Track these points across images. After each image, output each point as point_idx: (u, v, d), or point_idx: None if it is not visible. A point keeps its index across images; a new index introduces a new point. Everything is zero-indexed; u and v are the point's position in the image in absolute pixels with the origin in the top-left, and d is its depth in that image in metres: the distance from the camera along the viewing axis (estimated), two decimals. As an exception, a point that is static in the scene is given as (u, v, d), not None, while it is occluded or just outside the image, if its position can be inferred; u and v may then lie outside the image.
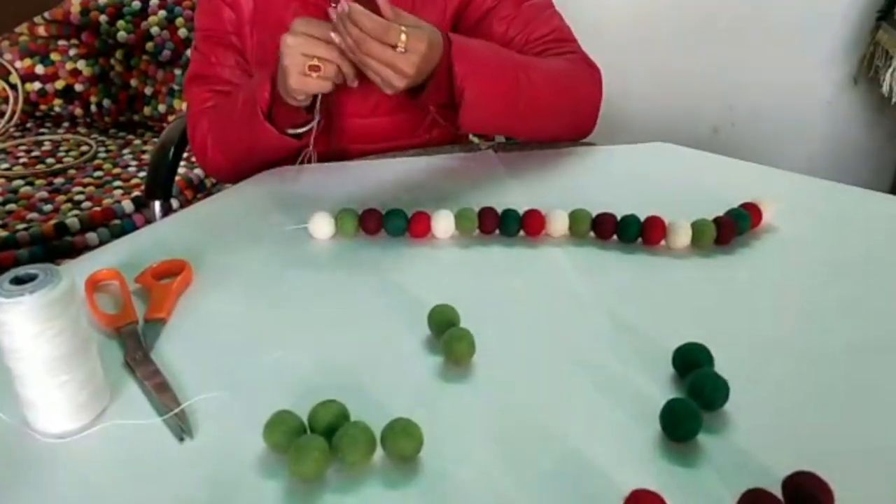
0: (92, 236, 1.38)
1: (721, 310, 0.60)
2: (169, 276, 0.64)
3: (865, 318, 0.58)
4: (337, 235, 0.71)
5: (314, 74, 0.74)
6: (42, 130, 1.86)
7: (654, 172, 0.84)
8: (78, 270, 0.62)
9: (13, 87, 1.85)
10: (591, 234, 0.70)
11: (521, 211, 0.70)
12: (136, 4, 1.81)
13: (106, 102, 1.86)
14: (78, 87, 1.86)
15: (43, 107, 1.89)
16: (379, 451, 0.45)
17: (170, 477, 0.45)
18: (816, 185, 0.80)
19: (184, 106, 1.82)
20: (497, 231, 0.70)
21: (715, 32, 1.83)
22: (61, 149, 1.75)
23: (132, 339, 0.56)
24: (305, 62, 0.73)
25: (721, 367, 0.50)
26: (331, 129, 0.92)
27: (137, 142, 1.80)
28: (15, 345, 0.45)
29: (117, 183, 1.57)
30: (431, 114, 0.86)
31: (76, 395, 0.47)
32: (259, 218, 0.76)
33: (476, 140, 1.52)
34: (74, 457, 0.46)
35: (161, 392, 0.51)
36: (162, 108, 1.83)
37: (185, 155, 1.15)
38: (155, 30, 1.79)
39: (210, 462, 0.45)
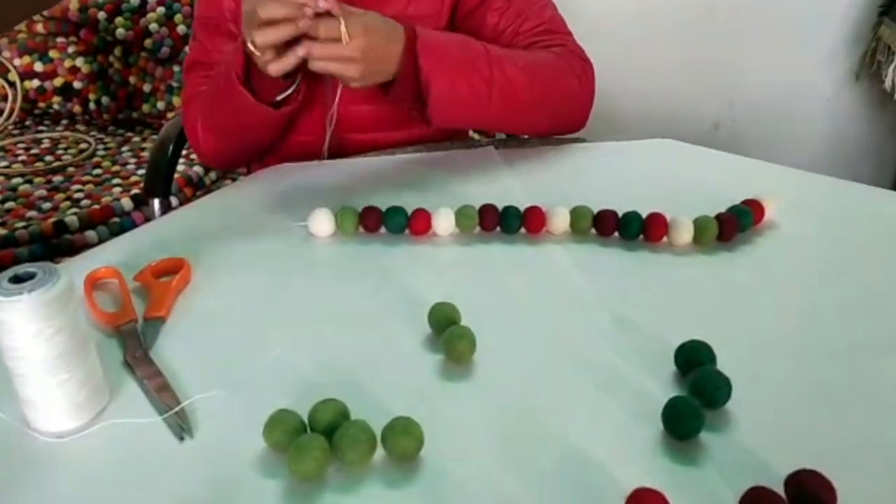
0: (91, 234, 1.38)
1: (723, 307, 0.59)
2: (168, 274, 0.64)
3: (868, 315, 0.58)
4: (337, 233, 0.71)
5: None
6: (41, 128, 1.85)
7: (655, 169, 0.84)
8: (77, 269, 0.62)
9: (12, 84, 1.84)
10: (593, 231, 0.69)
11: (521, 208, 0.69)
12: (135, 1, 1.81)
13: (105, 100, 1.86)
14: (77, 85, 1.86)
15: (41, 104, 1.88)
16: (379, 450, 0.44)
17: (170, 476, 0.44)
18: (819, 182, 0.80)
19: (183, 103, 1.81)
20: (498, 228, 0.70)
21: (716, 28, 1.83)
22: (60, 146, 1.75)
23: (131, 337, 0.56)
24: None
25: (723, 364, 0.49)
26: (327, 116, 0.92)
27: (136, 139, 1.79)
28: (14, 343, 0.44)
29: (116, 181, 1.57)
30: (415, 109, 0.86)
31: (75, 393, 0.47)
32: (258, 215, 0.76)
33: (477, 136, 1.52)
34: (73, 456, 0.46)
35: (161, 391, 0.50)
36: (161, 105, 1.83)
37: (184, 152, 1.15)
38: (153, 27, 1.78)
39: (210, 461, 0.45)
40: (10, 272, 0.45)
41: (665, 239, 0.68)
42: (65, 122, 1.89)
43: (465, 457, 0.45)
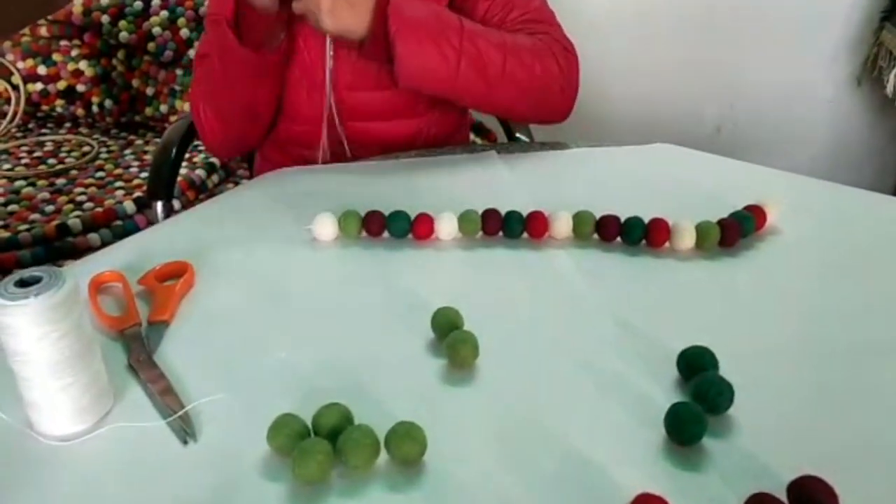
0: (94, 237, 1.39)
1: (725, 313, 0.60)
2: (172, 278, 0.64)
3: (870, 320, 0.58)
4: (340, 237, 0.71)
5: None
6: (44, 131, 1.86)
7: (657, 174, 0.84)
8: (81, 272, 0.62)
9: (15, 87, 1.85)
10: (595, 236, 0.70)
11: (524, 213, 0.70)
12: (138, 5, 1.81)
13: (108, 103, 1.86)
14: (80, 88, 1.86)
15: (45, 107, 1.89)
16: (383, 455, 0.45)
17: (173, 479, 0.44)
18: (821, 187, 0.80)
19: (185, 106, 1.82)
20: (500, 233, 0.70)
21: (717, 32, 1.83)
22: (63, 149, 1.75)
23: (135, 341, 0.56)
24: None
25: (725, 370, 0.50)
26: (328, 102, 0.93)
27: (139, 142, 1.80)
28: (19, 347, 0.45)
29: (119, 184, 1.57)
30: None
31: (80, 397, 0.47)
32: (262, 219, 0.76)
33: (478, 140, 1.52)
34: (78, 459, 0.46)
35: (164, 395, 0.50)
36: (164, 108, 1.84)
37: (187, 155, 1.15)
38: (157, 30, 1.79)
39: (214, 465, 0.45)
40: (16, 276, 0.45)
41: (667, 244, 0.68)
42: (68, 125, 1.89)
43: (467, 461, 0.45)
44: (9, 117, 1.84)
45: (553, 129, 0.96)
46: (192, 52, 1.76)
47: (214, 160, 1.63)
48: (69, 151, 1.74)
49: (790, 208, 0.72)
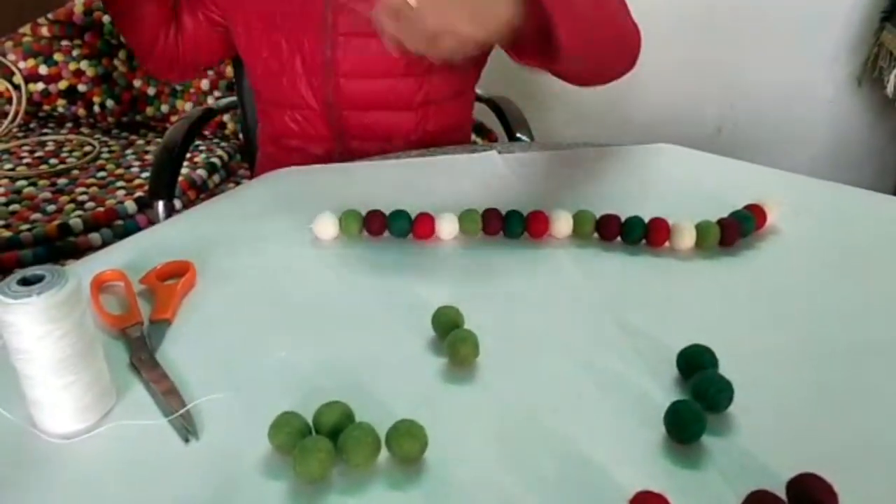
0: (95, 237, 1.39)
1: (725, 312, 0.60)
2: (173, 277, 0.64)
3: (870, 320, 0.58)
4: (341, 236, 0.71)
5: None
6: (45, 131, 1.86)
7: (657, 174, 0.84)
8: (83, 271, 0.62)
9: (16, 87, 1.85)
10: (595, 235, 0.70)
11: (524, 212, 0.70)
12: (140, 5, 1.81)
13: (109, 103, 1.87)
14: (81, 88, 1.87)
15: (46, 107, 1.89)
16: (383, 453, 0.45)
17: (175, 477, 0.45)
18: (821, 187, 0.80)
19: (187, 106, 1.82)
20: (501, 233, 0.70)
21: (717, 32, 1.83)
22: (64, 149, 1.75)
23: (137, 340, 0.56)
24: None
25: (725, 369, 0.50)
26: (327, 90, 0.93)
27: (140, 142, 1.80)
28: (22, 346, 0.45)
29: (120, 183, 1.57)
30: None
31: (82, 395, 0.47)
32: (262, 218, 0.76)
33: (479, 141, 1.53)
34: (80, 457, 0.46)
35: (166, 393, 0.51)
36: (165, 108, 1.84)
37: (188, 155, 1.16)
38: (158, 30, 1.79)
39: (215, 463, 0.46)
40: (19, 275, 0.45)
41: (667, 244, 0.68)
42: (69, 124, 1.90)
43: (468, 459, 0.45)
44: (10, 117, 1.84)
45: (553, 129, 0.96)
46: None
47: (216, 160, 1.63)
48: (70, 151, 1.74)
49: (790, 208, 0.72)
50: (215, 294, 0.63)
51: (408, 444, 0.44)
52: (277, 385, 0.52)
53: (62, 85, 1.86)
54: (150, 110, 1.85)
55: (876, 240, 0.69)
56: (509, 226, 0.70)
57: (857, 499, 0.40)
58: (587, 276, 0.64)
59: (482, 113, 1.28)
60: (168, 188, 1.09)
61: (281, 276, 0.66)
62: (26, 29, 1.86)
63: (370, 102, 0.95)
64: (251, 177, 1.21)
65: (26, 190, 1.55)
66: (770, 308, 0.60)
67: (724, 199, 0.72)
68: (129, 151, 1.74)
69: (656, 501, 0.39)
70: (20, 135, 1.83)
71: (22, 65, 1.85)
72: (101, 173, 1.63)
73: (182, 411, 0.49)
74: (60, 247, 1.36)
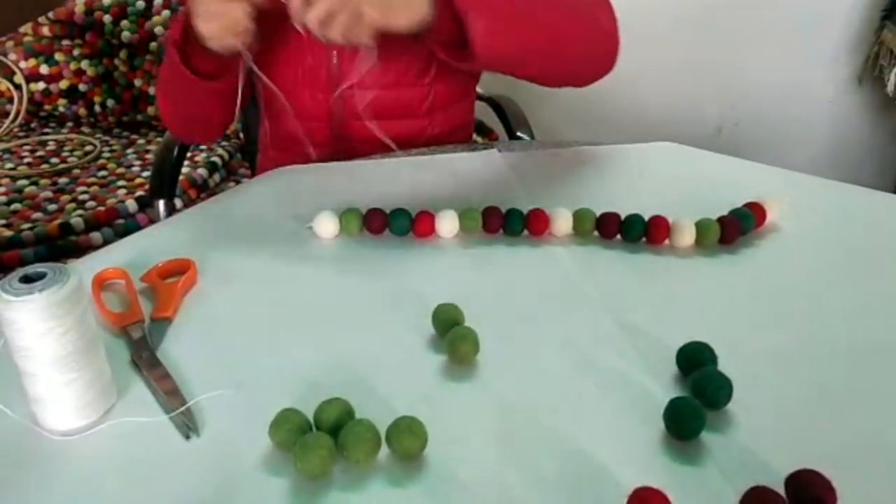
0: (96, 236, 1.39)
1: (725, 309, 0.60)
2: (174, 275, 0.64)
3: (869, 317, 0.58)
4: (341, 235, 0.71)
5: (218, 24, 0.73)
6: (46, 130, 1.86)
7: (657, 172, 0.84)
8: (84, 269, 0.63)
9: (17, 87, 1.85)
10: (595, 233, 0.70)
11: (525, 211, 0.70)
12: (140, 4, 1.82)
13: (110, 102, 1.87)
14: (82, 87, 1.87)
15: (47, 107, 1.90)
16: (384, 449, 0.45)
17: (176, 474, 0.45)
18: (820, 185, 0.81)
19: (187, 106, 1.82)
20: (501, 231, 0.71)
21: (717, 32, 1.83)
22: (65, 149, 1.76)
23: (138, 337, 0.56)
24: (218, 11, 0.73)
25: (724, 366, 0.50)
26: (332, 100, 0.93)
27: (141, 141, 1.80)
28: (24, 343, 0.45)
29: (121, 182, 1.57)
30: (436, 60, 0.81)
31: (84, 392, 0.47)
32: (263, 217, 0.76)
33: (480, 140, 1.53)
34: (81, 454, 0.47)
35: (167, 390, 0.51)
36: (166, 107, 1.83)
37: (188, 155, 1.16)
38: (159, 30, 1.79)
39: (216, 460, 0.46)
40: (21, 272, 0.45)
41: (667, 241, 0.68)
42: (70, 124, 1.90)
43: (468, 456, 0.45)
44: (11, 116, 1.84)
45: (554, 128, 0.96)
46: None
47: (216, 159, 1.64)
48: (71, 151, 1.75)
49: (790, 206, 0.72)
50: (216, 292, 0.63)
51: (408, 440, 0.45)
52: (278, 382, 0.52)
53: (63, 84, 1.86)
54: (150, 110, 1.85)
55: (875, 238, 0.70)
56: (509, 224, 0.70)
57: (855, 495, 0.40)
58: (587, 274, 0.65)
59: (483, 112, 1.28)
60: (169, 187, 1.09)
61: (281, 274, 0.66)
62: (27, 28, 1.86)
63: (377, 112, 0.94)
64: (251, 176, 1.21)
65: (27, 189, 1.55)
66: (770, 305, 0.60)
67: (723, 196, 0.72)
68: (129, 151, 1.74)
69: (655, 497, 0.39)
70: (21, 134, 1.83)
71: (23, 64, 1.85)
72: (102, 172, 1.63)
73: (183, 408, 0.49)
74: (61, 246, 1.36)
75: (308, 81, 0.94)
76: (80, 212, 1.44)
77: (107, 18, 1.81)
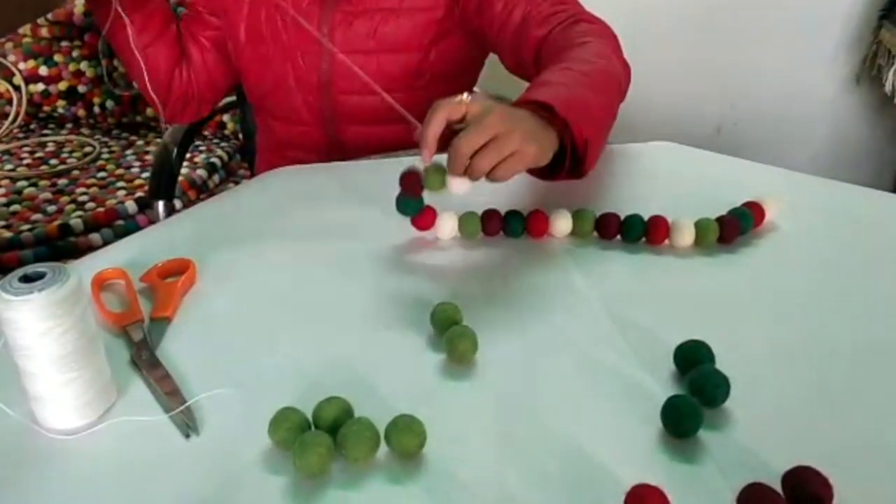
0: (95, 237, 1.39)
1: (723, 308, 0.60)
2: (174, 275, 0.64)
3: (867, 316, 0.58)
4: (341, 233, 0.71)
5: None
6: (45, 131, 1.86)
7: (657, 172, 0.84)
8: (84, 269, 0.63)
9: (17, 88, 1.85)
10: (595, 233, 0.70)
11: (525, 212, 0.70)
12: (140, 6, 1.82)
13: (109, 103, 1.87)
14: (81, 89, 1.87)
15: (46, 108, 1.89)
16: (383, 447, 0.45)
17: (176, 473, 0.45)
18: (819, 185, 0.81)
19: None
20: (501, 233, 0.71)
21: (717, 32, 1.83)
22: (65, 150, 1.75)
23: (138, 337, 0.57)
24: None
25: (722, 364, 0.50)
26: (324, 105, 0.93)
27: (140, 143, 1.80)
28: (24, 342, 0.45)
29: (120, 184, 1.57)
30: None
31: (84, 392, 0.48)
32: (261, 217, 0.77)
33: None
34: (81, 453, 0.47)
35: (167, 389, 0.51)
36: (165, 108, 1.84)
37: (187, 156, 1.16)
38: (158, 31, 1.79)
39: (216, 458, 0.46)
40: (21, 272, 0.45)
41: (667, 241, 0.68)
42: (69, 125, 1.90)
43: (466, 454, 0.45)
44: (10, 118, 1.84)
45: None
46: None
47: (215, 160, 1.64)
48: (71, 152, 1.74)
49: (788, 205, 0.72)
50: (216, 291, 0.63)
51: (407, 439, 0.45)
52: (277, 381, 0.52)
53: (62, 86, 1.86)
54: (149, 111, 1.85)
55: (874, 237, 0.70)
56: (509, 226, 0.70)
57: (852, 492, 0.40)
58: (587, 274, 0.65)
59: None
60: (168, 188, 1.09)
61: (280, 274, 0.66)
62: (26, 30, 1.86)
63: (370, 117, 0.95)
64: (251, 177, 1.22)
65: (27, 190, 1.55)
66: (768, 304, 0.60)
67: (722, 196, 0.72)
68: (129, 152, 1.74)
69: (653, 495, 0.39)
70: (21, 135, 1.83)
71: (22, 66, 1.85)
72: (102, 174, 1.63)
73: (182, 407, 0.49)
74: (61, 247, 1.36)
75: (300, 86, 0.94)
76: (79, 213, 1.44)
77: (106, 20, 1.81)
